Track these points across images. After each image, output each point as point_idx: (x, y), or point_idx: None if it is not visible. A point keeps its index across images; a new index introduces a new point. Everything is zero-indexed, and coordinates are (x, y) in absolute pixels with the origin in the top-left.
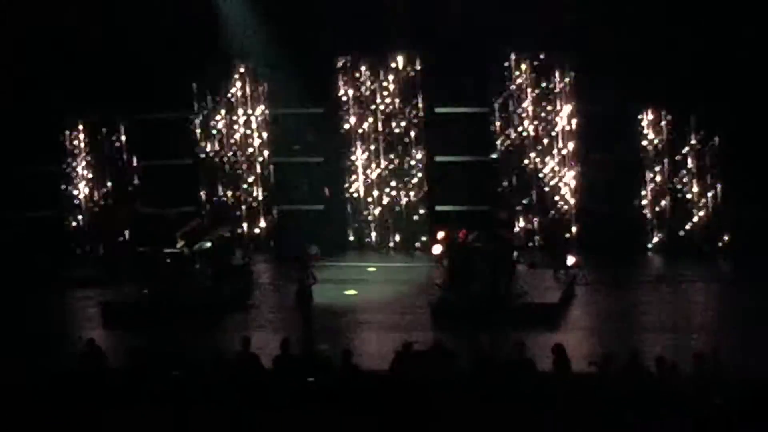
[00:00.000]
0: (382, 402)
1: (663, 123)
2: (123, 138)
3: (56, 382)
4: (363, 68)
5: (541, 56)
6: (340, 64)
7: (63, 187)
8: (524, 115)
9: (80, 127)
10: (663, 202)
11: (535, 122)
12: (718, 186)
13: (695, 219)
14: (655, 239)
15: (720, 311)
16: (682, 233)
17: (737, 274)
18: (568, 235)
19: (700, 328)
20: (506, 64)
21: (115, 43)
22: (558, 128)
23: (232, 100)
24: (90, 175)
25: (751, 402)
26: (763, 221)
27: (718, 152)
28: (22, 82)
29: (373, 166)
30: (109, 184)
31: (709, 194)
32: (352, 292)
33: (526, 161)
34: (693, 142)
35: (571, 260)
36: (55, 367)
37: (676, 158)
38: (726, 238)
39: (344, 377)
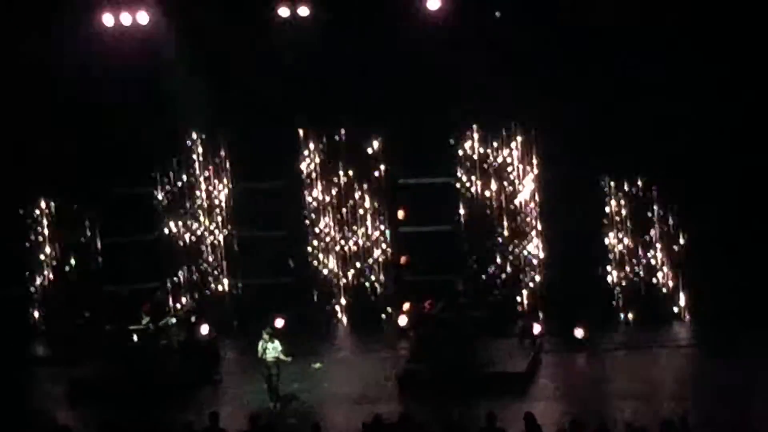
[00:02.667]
0: None
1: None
2: (86, 215)
3: None
4: (323, 141)
5: (504, 127)
6: (301, 137)
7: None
8: (486, 185)
9: (42, 204)
10: (627, 270)
11: (497, 192)
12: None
13: (659, 286)
14: (619, 304)
15: (686, 378)
16: (646, 301)
17: (702, 339)
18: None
19: (668, 395)
20: (467, 133)
21: (76, 120)
22: (520, 198)
23: (195, 174)
24: (53, 253)
25: None
26: (727, 286)
27: (680, 221)
28: None
29: (338, 238)
30: (72, 261)
31: (672, 263)
32: (318, 365)
33: (489, 232)
34: (656, 209)
35: (537, 329)
36: None
37: (638, 227)
38: (689, 304)
39: None
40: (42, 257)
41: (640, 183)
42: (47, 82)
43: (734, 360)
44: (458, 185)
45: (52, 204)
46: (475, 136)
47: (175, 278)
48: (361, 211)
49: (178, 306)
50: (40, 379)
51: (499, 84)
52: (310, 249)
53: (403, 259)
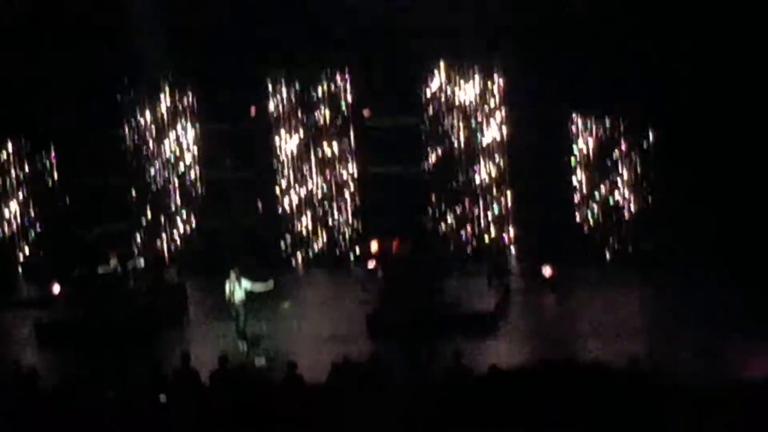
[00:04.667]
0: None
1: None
2: (53, 156)
3: None
4: (292, 82)
5: (470, 62)
6: (268, 77)
7: None
8: (454, 124)
9: (9, 147)
10: (594, 208)
11: (465, 131)
12: (647, 188)
13: (626, 223)
14: (585, 244)
15: (653, 315)
16: (613, 238)
17: (670, 277)
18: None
19: (636, 333)
20: (434, 71)
21: (43, 62)
22: (488, 137)
23: (163, 115)
24: (21, 197)
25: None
26: (697, 223)
27: (649, 155)
28: None
29: (306, 179)
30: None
31: (638, 198)
32: (286, 305)
33: (456, 172)
34: (623, 146)
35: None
36: None
37: (606, 162)
38: (652, 241)
39: (288, 388)
40: (10, 201)
41: (608, 121)
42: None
43: (703, 297)
44: (425, 126)
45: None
46: (442, 75)
47: (143, 220)
48: (328, 152)
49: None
50: (6, 323)
51: (465, 21)
52: (278, 190)
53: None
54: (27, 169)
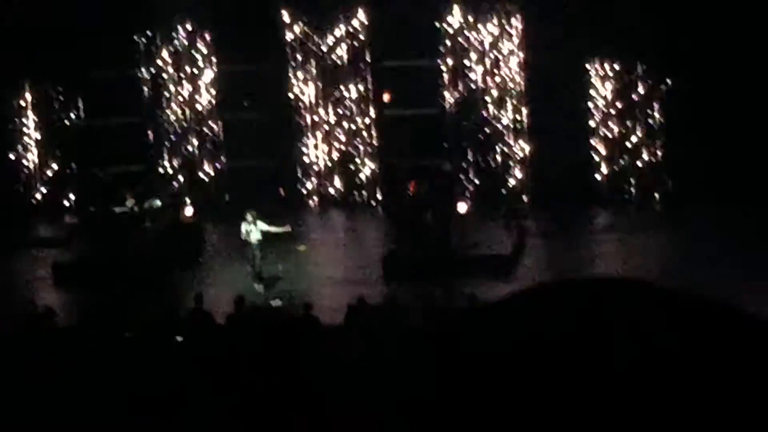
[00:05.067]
0: (338, 354)
1: (611, 73)
2: (70, 98)
3: (6, 342)
4: (308, 23)
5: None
6: (285, 18)
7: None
8: (472, 67)
9: (26, 87)
10: (608, 152)
11: (483, 74)
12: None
13: (639, 167)
14: (602, 187)
15: (670, 259)
16: (627, 181)
17: (685, 220)
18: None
19: (653, 277)
20: (451, 15)
21: (60, 3)
22: (507, 80)
23: (179, 56)
24: (37, 137)
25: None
26: (708, 169)
27: (665, 101)
28: None
29: (323, 121)
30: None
31: (656, 143)
32: (302, 247)
33: (473, 114)
34: (640, 91)
35: (521, 211)
36: (4, 327)
37: (622, 108)
38: (669, 184)
39: (304, 330)
40: (27, 140)
41: (619, 66)
42: None
43: (717, 239)
44: (443, 68)
45: (37, 86)
46: (459, 16)
47: (160, 161)
48: (345, 94)
49: (163, 188)
50: (23, 262)
51: None
52: (294, 131)
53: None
54: (44, 110)
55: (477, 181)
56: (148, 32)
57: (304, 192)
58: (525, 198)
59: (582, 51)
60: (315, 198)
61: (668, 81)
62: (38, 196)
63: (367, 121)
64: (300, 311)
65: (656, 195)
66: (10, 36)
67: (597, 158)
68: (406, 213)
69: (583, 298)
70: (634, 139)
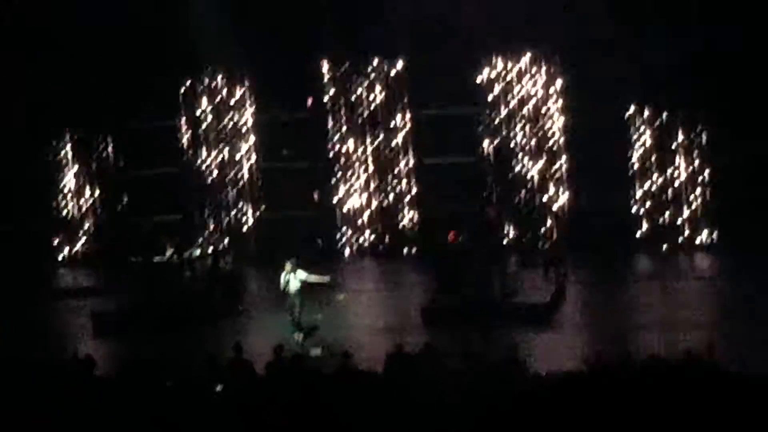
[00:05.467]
0: (377, 403)
1: (647, 120)
2: (110, 148)
3: (48, 390)
4: (348, 71)
5: (527, 55)
6: (325, 68)
7: (51, 198)
8: (512, 115)
9: (67, 138)
10: (649, 201)
11: (523, 122)
12: (705, 181)
13: (684, 215)
14: (644, 236)
15: (712, 308)
16: (669, 230)
17: (724, 269)
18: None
19: (693, 326)
20: (491, 64)
21: (99, 54)
22: (546, 128)
23: (219, 106)
24: (77, 186)
25: (748, 399)
26: (748, 216)
27: (705, 149)
28: (9, 94)
29: (362, 170)
30: (96, 194)
31: (697, 191)
32: (341, 296)
33: (514, 162)
34: (681, 139)
35: (561, 259)
36: (47, 375)
37: (663, 156)
38: (712, 233)
39: (343, 379)
40: (67, 190)
41: (665, 114)
42: (70, 17)
43: (759, 290)
44: (481, 116)
45: (77, 137)
46: (499, 65)
47: (199, 210)
48: (385, 144)
49: (202, 238)
50: (63, 311)
51: (523, 12)
52: (333, 180)
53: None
54: (85, 160)
55: (517, 229)
56: (187, 82)
57: (343, 241)
58: (564, 245)
59: (622, 99)
60: (353, 247)
61: (706, 129)
62: (78, 245)
63: (406, 169)
64: (339, 360)
65: (698, 242)
66: (51, 86)
67: (637, 206)
68: (445, 261)
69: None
70: (675, 186)
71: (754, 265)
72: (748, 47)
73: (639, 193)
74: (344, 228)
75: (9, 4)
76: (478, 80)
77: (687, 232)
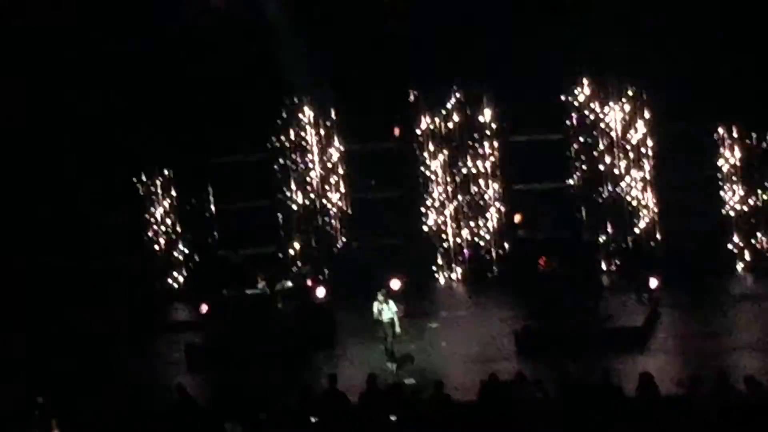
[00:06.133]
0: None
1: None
2: (201, 182)
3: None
4: (435, 100)
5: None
6: (412, 98)
7: (145, 234)
8: (599, 139)
9: (156, 173)
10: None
11: (611, 146)
12: None
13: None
14: (738, 259)
15: None
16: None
17: None
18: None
19: None
20: (577, 90)
21: (189, 89)
22: (634, 150)
23: (307, 138)
24: (168, 221)
25: None
26: None
27: None
28: (98, 131)
29: (451, 198)
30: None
31: None
32: (434, 324)
33: (602, 186)
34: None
35: (653, 283)
36: (149, 411)
37: (753, 175)
38: None
39: (436, 408)
40: (161, 226)
41: (754, 134)
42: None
43: None
44: (571, 143)
45: (167, 173)
46: (586, 90)
47: (290, 242)
48: (474, 171)
49: (295, 270)
50: (158, 346)
51: (608, 37)
52: (424, 209)
53: (517, 218)
54: (176, 194)
55: (612, 255)
56: (280, 115)
57: (435, 268)
58: (657, 269)
59: (709, 119)
60: (446, 273)
61: None
62: (170, 280)
63: (496, 195)
64: (431, 389)
65: None
66: (139, 122)
67: (724, 226)
68: (536, 286)
69: None
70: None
71: None
72: None
73: (730, 212)
74: (435, 255)
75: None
76: (568, 105)
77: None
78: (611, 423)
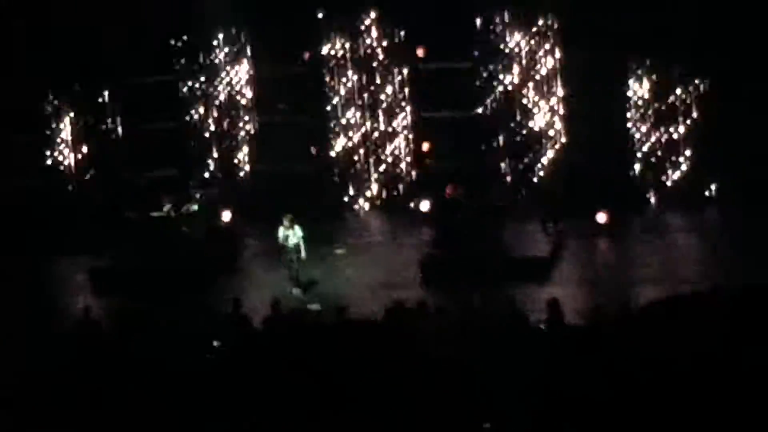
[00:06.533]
0: (376, 355)
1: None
2: (107, 103)
3: (54, 347)
4: (346, 27)
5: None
6: (321, 20)
7: (48, 154)
8: (509, 67)
9: (64, 92)
10: (650, 154)
11: (520, 75)
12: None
13: (683, 169)
14: (646, 192)
15: (708, 262)
16: (669, 183)
17: (725, 223)
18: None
19: (689, 280)
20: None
21: (100, 7)
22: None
23: (216, 60)
24: (75, 141)
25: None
26: (749, 170)
27: (703, 100)
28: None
29: (360, 124)
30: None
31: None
32: (340, 251)
33: (511, 115)
34: (678, 91)
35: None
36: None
37: (661, 108)
38: (713, 187)
39: (339, 332)
40: (63, 146)
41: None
42: None
43: (757, 243)
44: (479, 71)
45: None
46: (497, 19)
47: (196, 165)
48: (383, 98)
49: (200, 193)
50: (60, 269)
51: None
52: (332, 135)
53: (425, 146)
54: (82, 115)
55: (515, 184)
56: (185, 36)
57: (341, 194)
58: (561, 200)
59: (619, 50)
60: (352, 200)
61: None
62: (75, 200)
63: (405, 123)
64: (335, 315)
65: (696, 196)
66: (49, 41)
67: (635, 159)
68: (443, 216)
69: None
70: (674, 140)
71: (752, 220)
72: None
73: (638, 147)
74: (342, 182)
75: None
76: (475, 34)
77: (687, 186)
78: (516, 351)
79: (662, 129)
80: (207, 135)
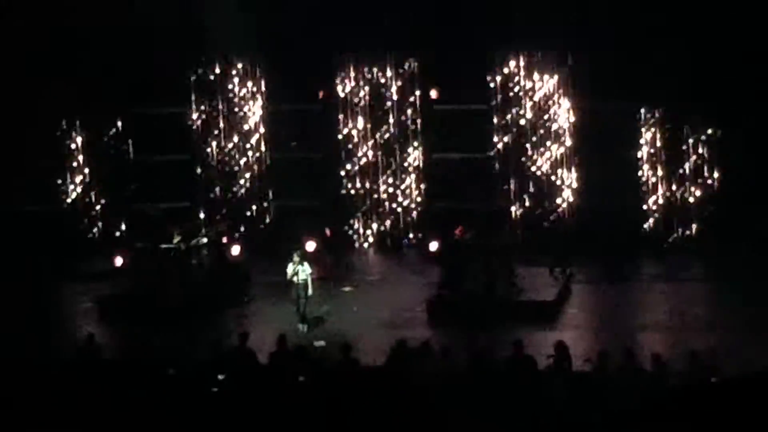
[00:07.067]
0: (379, 397)
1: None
2: (120, 134)
3: (55, 374)
4: (360, 66)
5: (538, 54)
6: (337, 62)
7: (60, 182)
8: (522, 112)
9: (77, 123)
10: (660, 201)
11: (533, 119)
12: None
13: (692, 219)
14: (651, 239)
15: (716, 310)
16: (677, 234)
17: (732, 273)
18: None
19: (697, 327)
20: (503, 62)
21: (114, 41)
22: (555, 126)
23: (231, 95)
24: (87, 171)
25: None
26: (760, 220)
27: (716, 151)
28: (22, 79)
29: (372, 163)
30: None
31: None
32: (348, 288)
33: (523, 159)
34: (690, 141)
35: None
36: (54, 359)
37: (674, 158)
38: (720, 238)
39: (343, 371)
40: (77, 175)
41: (673, 115)
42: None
43: (763, 294)
44: (494, 113)
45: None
46: (511, 63)
47: (207, 199)
48: (395, 137)
49: (206, 229)
50: (69, 295)
51: (536, 11)
52: (343, 172)
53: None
54: (95, 145)
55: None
56: (199, 70)
57: (351, 232)
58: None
59: (631, 99)
60: (362, 238)
61: (715, 132)
62: (86, 229)
63: (415, 163)
64: (339, 353)
65: (705, 244)
66: (62, 73)
67: (644, 206)
68: (452, 257)
69: None
70: (683, 188)
71: (758, 271)
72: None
73: (647, 194)
74: (352, 220)
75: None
76: (489, 77)
77: (694, 234)
78: (523, 395)
79: (674, 179)
80: (218, 168)
